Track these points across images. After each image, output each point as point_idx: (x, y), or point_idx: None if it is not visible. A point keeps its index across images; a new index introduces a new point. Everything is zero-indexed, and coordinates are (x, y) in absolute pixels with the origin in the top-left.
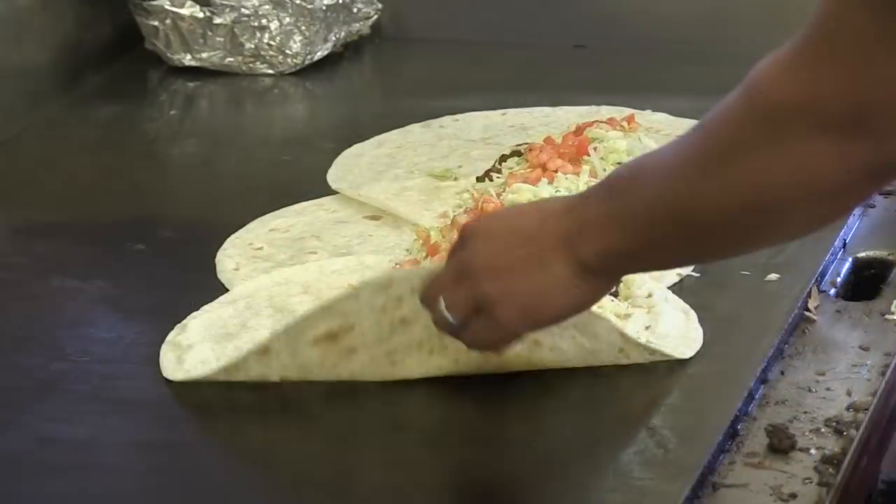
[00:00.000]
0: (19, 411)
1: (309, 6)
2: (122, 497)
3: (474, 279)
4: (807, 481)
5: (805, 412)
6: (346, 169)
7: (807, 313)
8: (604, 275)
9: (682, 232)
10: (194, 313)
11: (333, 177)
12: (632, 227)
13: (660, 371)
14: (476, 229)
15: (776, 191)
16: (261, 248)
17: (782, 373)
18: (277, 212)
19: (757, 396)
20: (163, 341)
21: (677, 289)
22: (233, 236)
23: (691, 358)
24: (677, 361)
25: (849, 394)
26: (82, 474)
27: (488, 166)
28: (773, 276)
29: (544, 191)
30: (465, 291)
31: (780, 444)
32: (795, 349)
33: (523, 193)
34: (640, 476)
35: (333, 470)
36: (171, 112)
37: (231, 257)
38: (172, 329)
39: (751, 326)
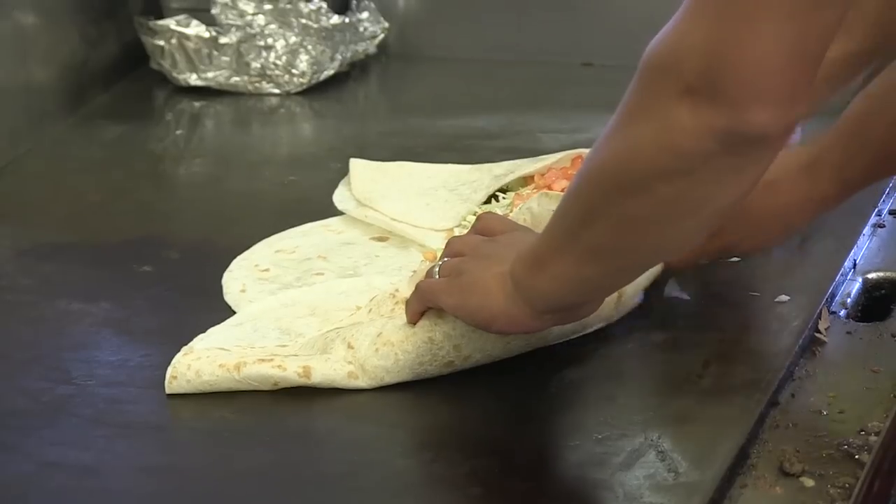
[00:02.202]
0: (25, 435)
1: (315, 25)
2: None
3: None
4: None
5: (816, 435)
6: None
7: (817, 335)
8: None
9: (581, 200)
10: (200, 335)
11: (339, 197)
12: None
13: (669, 394)
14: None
15: (643, 158)
16: (267, 270)
17: (793, 395)
18: (283, 233)
19: (767, 419)
20: (168, 364)
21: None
22: (239, 257)
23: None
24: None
25: (860, 417)
26: (88, 499)
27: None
28: (783, 298)
29: None
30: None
31: (792, 468)
32: (806, 371)
33: None
34: (650, 500)
35: (344, 495)
36: (177, 132)
37: (237, 279)
38: (178, 352)
39: (761, 348)
